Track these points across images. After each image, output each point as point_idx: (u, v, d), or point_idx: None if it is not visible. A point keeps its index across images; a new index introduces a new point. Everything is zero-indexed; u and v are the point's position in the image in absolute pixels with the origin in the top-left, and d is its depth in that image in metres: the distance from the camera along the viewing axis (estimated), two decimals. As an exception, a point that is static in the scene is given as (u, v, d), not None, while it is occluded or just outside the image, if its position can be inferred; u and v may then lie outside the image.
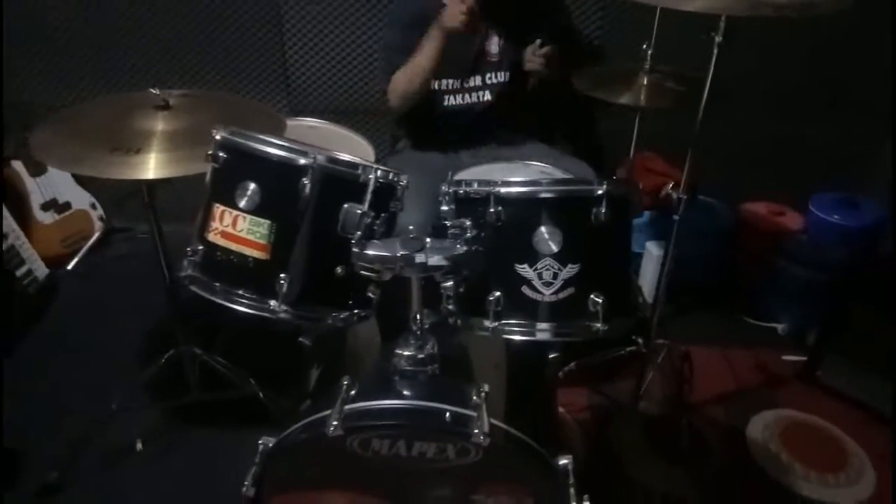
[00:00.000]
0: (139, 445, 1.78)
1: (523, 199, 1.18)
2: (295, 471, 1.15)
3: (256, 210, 1.16)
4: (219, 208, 1.18)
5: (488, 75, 2.03)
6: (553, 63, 1.94)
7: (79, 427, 1.75)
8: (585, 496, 1.07)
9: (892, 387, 1.89)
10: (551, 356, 1.39)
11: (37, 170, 2.48)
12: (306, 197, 1.14)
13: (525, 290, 1.16)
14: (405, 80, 1.95)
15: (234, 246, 1.17)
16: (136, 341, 2.15)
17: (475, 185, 1.19)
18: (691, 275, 2.14)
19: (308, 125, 2.16)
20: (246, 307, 1.18)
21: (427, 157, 2.06)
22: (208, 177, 1.23)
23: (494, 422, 1.05)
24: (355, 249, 1.10)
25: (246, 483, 1.09)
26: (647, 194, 2.15)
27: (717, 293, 2.38)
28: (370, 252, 1.10)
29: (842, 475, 1.78)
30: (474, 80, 2.02)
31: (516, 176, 1.64)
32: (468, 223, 1.16)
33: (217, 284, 1.19)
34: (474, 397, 1.07)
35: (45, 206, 2.51)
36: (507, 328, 1.19)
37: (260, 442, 1.12)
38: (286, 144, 1.17)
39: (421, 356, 1.16)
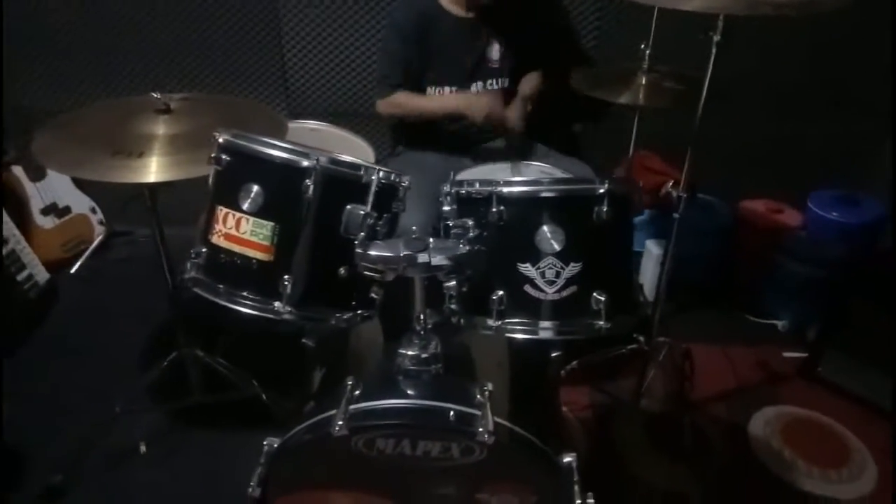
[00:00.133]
0: (142, 448, 1.78)
1: (525, 199, 1.19)
2: (299, 471, 1.15)
3: (259, 212, 1.16)
4: (222, 210, 1.19)
5: (489, 81, 2.05)
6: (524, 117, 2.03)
7: (82, 430, 1.75)
8: (589, 494, 1.07)
9: (892, 381, 1.90)
10: (554, 355, 1.40)
11: (37, 175, 2.48)
12: (309, 198, 1.15)
13: (528, 288, 1.17)
14: (401, 108, 2.02)
15: (237, 248, 1.18)
16: (138, 344, 2.16)
17: (477, 185, 1.20)
18: (691, 273, 2.15)
19: (308, 127, 2.16)
20: (250, 309, 1.18)
21: (427, 158, 2.06)
22: (211, 179, 1.23)
23: (498, 420, 1.05)
24: (358, 250, 1.11)
25: (251, 484, 1.10)
26: (646, 193, 2.15)
27: (717, 291, 2.39)
28: (373, 253, 1.10)
29: (844, 471, 1.78)
30: (475, 87, 2.03)
31: (517, 176, 1.65)
32: (471, 223, 1.17)
33: (221, 286, 1.20)
34: (478, 396, 1.08)
35: (45, 211, 2.51)
36: (509, 327, 1.19)
37: (265, 443, 1.13)
38: (289, 146, 1.18)
39: (424, 356, 1.16)
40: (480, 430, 1.01)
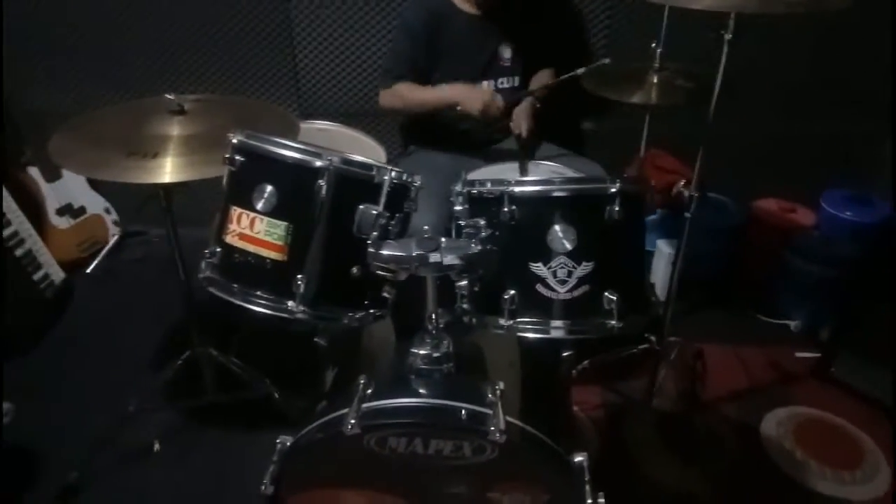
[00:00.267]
0: (156, 446, 1.80)
1: (537, 198, 1.19)
2: (312, 469, 1.16)
3: (273, 212, 1.17)
4: (236, 211, 1.20)
5: (500, 80, 2.05)
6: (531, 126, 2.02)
7: (96, 428, 1.77)
8: (600, 493, 1.07)
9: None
10: (565, 354, 1.40)
11: (52, 175, 2.51)
12: (322, 198, 1.16)
13: (539, 288, 1.17)
14: (402, 99, 2.01)
15: (251, 248, 1.19)
16: (152, 343, 2.18)
17: (489, 185, 1.20)
18: (703, 272, 2.15)
19: (318, 128, 2.17)
20: (264, 308, 1.19)
21: (438, 158, 2.07)
22: (225, 180, 1.24)
23: (510, 419, 1.06)
24: (371, 250, 1.11)
25: (264, 482, 1.10)
26: (657, 192, 2.15)
27: (729, 290, 2.38)
28: (385, 252, 1.11)
29: (857, 472, 1.77)
30: (487, 85, 2.03)
31: (528, 176, 1.65)
32: (482, 222, 1.18)
33: (235, 286, 1.21)
34: (490, 395, 1.08)
35: (61, 211, 2.54)
36: (521, 326, 1.19)
37: (277, 441, 1.13)
38: (302, 147, 1.19)
39: (436, 355, 1.17)
40: (492, 429, 1.01)
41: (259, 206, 1.18)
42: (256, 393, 1.81)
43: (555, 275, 1.16)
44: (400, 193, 1.22)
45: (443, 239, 1.12)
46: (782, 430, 1.89)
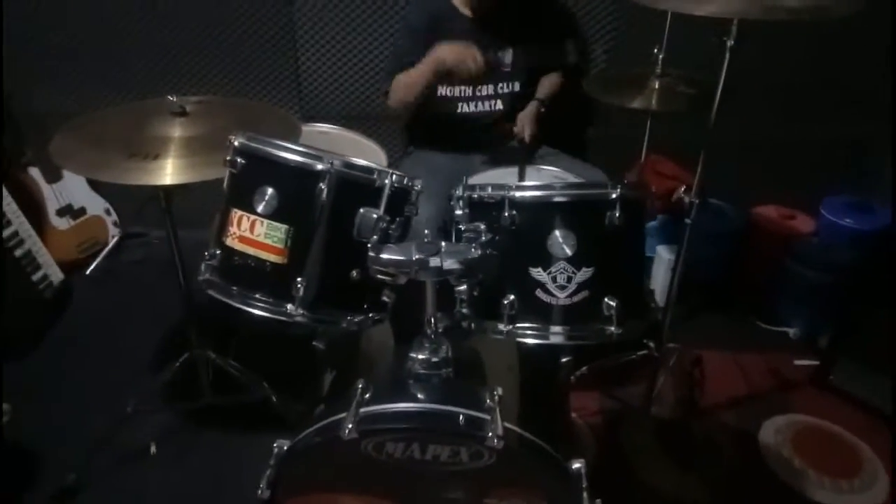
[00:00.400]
0: (153, 448, 1.80)
1: (537, 203, 1.20)
2: (309, 473, 1.16)
3: (274, 215, 1.17)
4: (236, 213, 1.20)
5: (500, 85, 2.05)
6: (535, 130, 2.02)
7: (94, 430, 1.76)
8: (598, 500, 1.07)
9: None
10: (564, 360, 1.40)
11: (53, 176, 2.51)
12: (323, 202, 1.16)
13: (539, 293, 1.17)
14: (403, 88, 1.98)
15: (251, 250, 1.19)
16: (150, 345, 2.17)
17: (489, 189, 1.20)
18: (703, 278, 2.15)
19: (319, 130, 2.17)
20: (263, 311, 1.19)
21: (438, 158, 2.07)
22: (226, 182, 1.24)
23: (508, 425, 1.05)
24: (371, 253, 1.11)
25: (261, 485, 1.10)
26: (658, 198, 2.15)
27: (728, 297, 2.38)
28: (385, 256, 1.11)
29: (856, 481, 1.77)
30: (487, 89, 2.04)
31: (529, 180, 1.65)
32: (482, 227, 1.18)
33: (234, 288, 1.21)
34: (488, 400, 1.08)
35: (61, 212, 2.54)
36: (520, 331, 1.20)
37: (275, 445, 1.13)
38: (303, 150, 1.19)
39: (435, 359, 1.16)
40: (490, 434, 1.01)
41: (259, 208, 1.18)
42: (254, 396, 1.81)
43: (554, 280, 1.16)
44: (400, 197, 1.22)
45: (443, 243, 1.12)
46: (781, 438, 1.89)
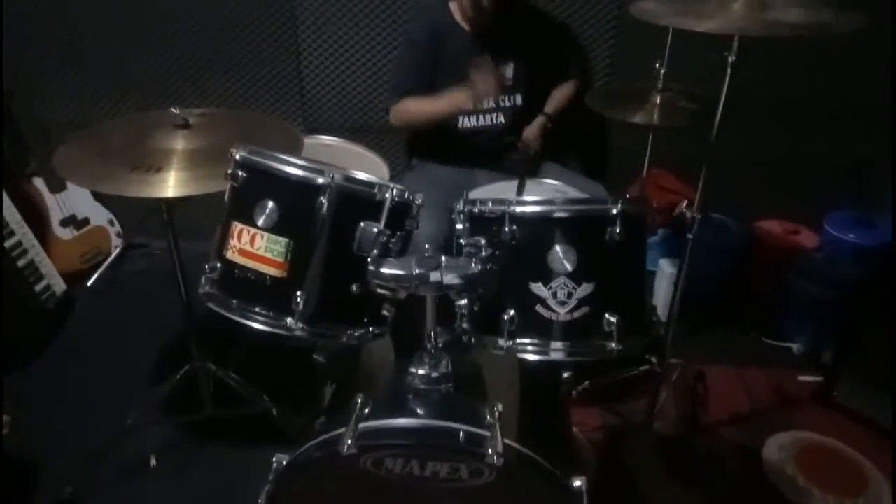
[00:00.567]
0: (153, 461, 1.79)
1: (538, 218, 1.20)
2: (308, 488, 1.15)
3: (274, 228, 1.17)
4: (237, 226, 1.20)
5: (502, 99, 2.05)
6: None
7: (94, 442, 1.76)
8: (599, 517, 1.06)
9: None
10: (565, 375, 1.39)
11: (57, 186, 2.52)
12: (323, 216, 1.16)
13: (539, 308, 1.17)
14: (413, 113, 2.00)
15: (251, 264, 1.19)
16: (151, 357, 2.17)
17: (490, 204, 1.20)
18: (705, 293, 2.14)
19: (322, 143, 2.18)
20: (262, 324, 1.19)
21: (440, 171, 2.08)
22: (227, 195, 1.25)
23: (508, 442, 1.04)
24: (371, 268, 1.11)
25: (260, 500, 1.09)
26: (659, 212, 2.15)
27: (731, 312, 2.37)
28: (386, 270, 1.10)
29: (860, 499, 1.75)
30: (488, 103, 2.04)
31: (530, 195, 1.65)
32: (483, 242, 1.17)
33: (234, 302, 1.21)
34: (488, 417, 1.07)
35: (65, 223, 2.55)
36: (521, 347, 1.19)
37: (274, 459, 1.12)
38: (304, 163, 1.19)
39: (435, 375, 1.16)
40: (490, 451, 1.00)
41: (260, 221, 1.18)
42: (254, 408, 1.80)
43: (555, 295, 1.16)
44: (401, 211, 1.22)
45: (443, 258, 1.11)
46: (784, 455, 1.87)
